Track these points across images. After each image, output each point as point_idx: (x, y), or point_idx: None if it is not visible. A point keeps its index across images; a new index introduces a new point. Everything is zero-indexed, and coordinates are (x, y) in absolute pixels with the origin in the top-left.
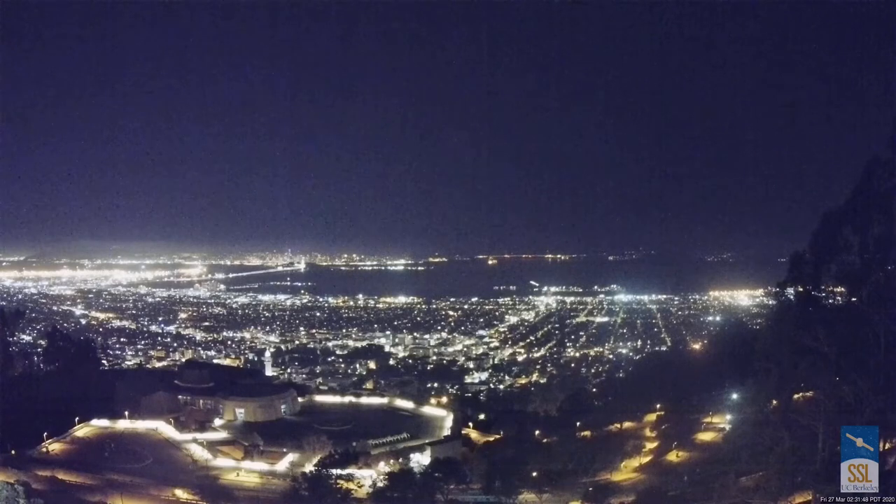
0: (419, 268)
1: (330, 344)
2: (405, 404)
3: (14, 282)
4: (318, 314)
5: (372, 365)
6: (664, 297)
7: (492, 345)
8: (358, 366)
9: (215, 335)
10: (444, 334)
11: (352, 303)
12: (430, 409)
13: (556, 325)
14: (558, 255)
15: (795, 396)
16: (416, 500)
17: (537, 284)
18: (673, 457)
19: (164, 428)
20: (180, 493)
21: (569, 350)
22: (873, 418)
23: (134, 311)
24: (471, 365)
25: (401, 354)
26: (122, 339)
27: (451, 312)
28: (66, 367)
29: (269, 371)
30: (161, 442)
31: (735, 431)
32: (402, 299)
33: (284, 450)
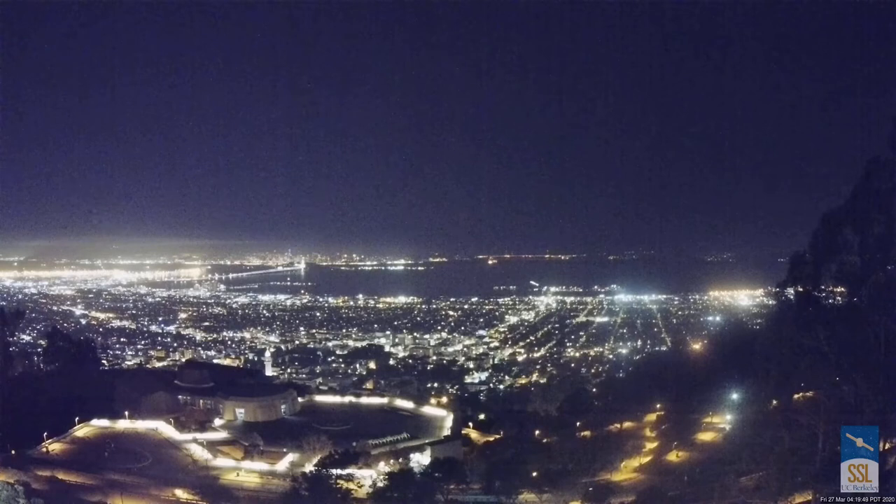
0: (419, 268)
1: (330, 344)
2: (405, 404)
3: (14, 282)
4: (318, 314)
5: (372, 365)
6: (664, 297)
7: (492, 345)
8: (358, 366)
9: (215, 335)
10: (444, 334)
11: (352, 303)
12: (429, 409)
13: (556, 325)
14: (558, 255)
15: (795, 396)
16: (416, 500)
17: (537, 284)
18: (673, 457)
19: (164, 428)
20: (180, 493)
21: (569, 350)
22: (873, 418)
23: (134, 311)
24: (471, 365)
25: (401, 354)
26: (122, 339)
27: (451, 312)
28: (66, 367)
29: (269, 371)
30: (161, 442)
31: (735, 431)
32: (402, 299)
33: (284, 450)
